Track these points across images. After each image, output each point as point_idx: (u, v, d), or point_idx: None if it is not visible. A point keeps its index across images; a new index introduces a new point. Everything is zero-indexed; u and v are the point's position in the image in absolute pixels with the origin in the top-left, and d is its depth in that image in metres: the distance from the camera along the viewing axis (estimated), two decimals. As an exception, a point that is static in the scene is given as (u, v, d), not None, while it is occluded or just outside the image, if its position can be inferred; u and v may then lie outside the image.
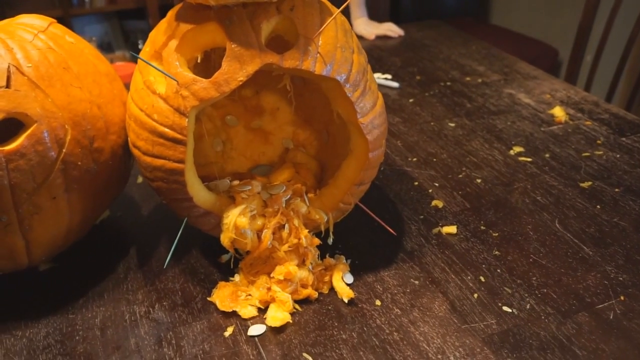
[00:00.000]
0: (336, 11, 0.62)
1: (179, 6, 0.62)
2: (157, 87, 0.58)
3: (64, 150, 0.59)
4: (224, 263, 0.70)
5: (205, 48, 0.59)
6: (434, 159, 0.92)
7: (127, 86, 0.66)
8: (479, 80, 1.21)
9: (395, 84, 1.17)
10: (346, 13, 1.65)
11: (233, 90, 0.56)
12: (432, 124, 1.03)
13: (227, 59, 0.55)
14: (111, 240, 0.75)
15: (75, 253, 0.71)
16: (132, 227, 0.78)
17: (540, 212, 0.78)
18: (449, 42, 1.43)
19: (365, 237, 0.74)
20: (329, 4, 0.65)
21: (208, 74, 0.57)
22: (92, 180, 0.62)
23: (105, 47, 2.41)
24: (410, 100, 1.11)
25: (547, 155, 0.92)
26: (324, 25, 0.58)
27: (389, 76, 1.22)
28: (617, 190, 0.83)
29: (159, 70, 0.56)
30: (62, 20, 2.07)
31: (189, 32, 0.58)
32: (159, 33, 0.61)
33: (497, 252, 0.71)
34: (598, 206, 0.79)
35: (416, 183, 0.85)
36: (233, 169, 0.78)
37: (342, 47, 0.60)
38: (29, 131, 0.56)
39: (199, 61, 0.60)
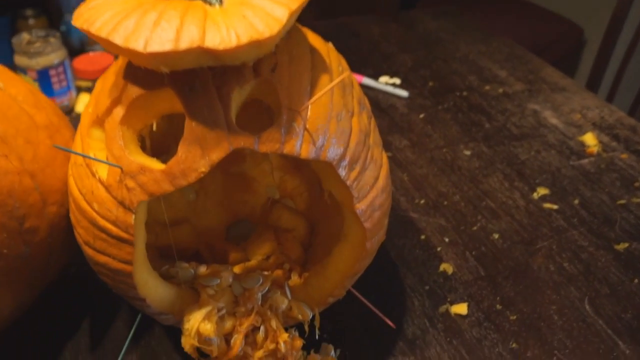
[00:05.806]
0: (334, 66, 0.49)
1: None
2: (98, 168, 0.45)
3: (-18, 241, 0.47)
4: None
5: (161, 114, 0.47)
6: (445, 202, 0.79)
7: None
8: (500, 90, 1.07)
9: (404, 93, 1.03)
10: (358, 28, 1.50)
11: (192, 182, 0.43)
12: (444, 150, 0.90)
13: (185, 143, 0.42)
14: (59, 311, 0.63)
15: (16, 330, 0.60)
16: (88, 292, 0.66)
17: (567, 286, 0.67)
18: (467, 37, 1.28)
19: (358, 318, 0.62)
20: (324, 50, 0.51)
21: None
22: (24, 266, 0.51)
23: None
24: (421, 116, 0.98)
25: (576, 201, 0.80)
26: (314, 98, 0.45)
27: (398, 81, 1.08)
28: (657, 256, 0.71)
29: (96, 160, 0.43)
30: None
31: (139, 98, 0.45)
32: (103, 90, 0.47)
33: (514, 345, 0.60)
34: (636, 280, 0.68)
35: (423, 237, 0.73)
36: (207, 224, 0.66)
37: (337, 115, 0.47)
38: None
39: (154, 129, 0.48)
